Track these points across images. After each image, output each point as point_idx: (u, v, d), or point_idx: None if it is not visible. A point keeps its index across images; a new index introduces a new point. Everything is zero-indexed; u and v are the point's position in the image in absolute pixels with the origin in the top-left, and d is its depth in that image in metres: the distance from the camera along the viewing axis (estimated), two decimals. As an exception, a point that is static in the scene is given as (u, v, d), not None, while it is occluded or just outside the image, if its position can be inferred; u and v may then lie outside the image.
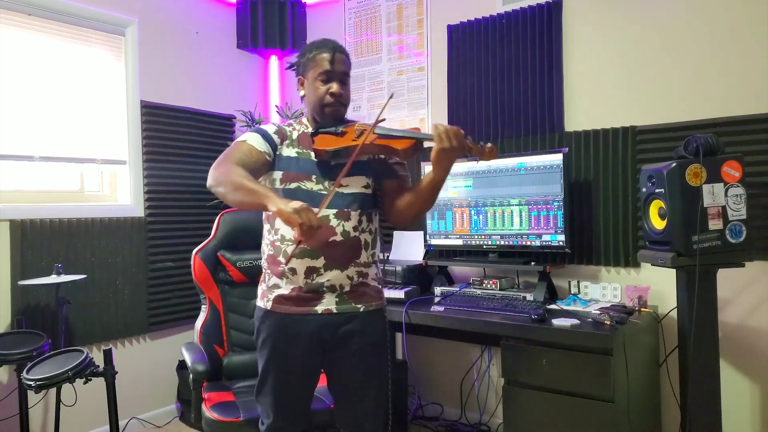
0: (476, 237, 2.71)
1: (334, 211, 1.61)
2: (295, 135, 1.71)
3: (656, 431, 2.41)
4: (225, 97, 3.49)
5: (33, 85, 2.70)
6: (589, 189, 2.58)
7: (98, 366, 2.24)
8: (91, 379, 2.21)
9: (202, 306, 2.44)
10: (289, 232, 1.60)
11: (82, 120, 2.88)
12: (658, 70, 2.45)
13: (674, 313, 2.16)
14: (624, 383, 1.98)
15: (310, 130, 1.70)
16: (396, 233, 3.09)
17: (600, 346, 1.95)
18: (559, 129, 2.68)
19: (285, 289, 1.66)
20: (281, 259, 1.63)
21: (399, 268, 2.71)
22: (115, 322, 2.93)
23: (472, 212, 2.72)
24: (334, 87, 1.65)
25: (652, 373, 2.36)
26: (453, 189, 2.78)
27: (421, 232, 2.92)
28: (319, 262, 1.61)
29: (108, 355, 2.28)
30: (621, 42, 2.54)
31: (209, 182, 1.59)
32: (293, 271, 1.62)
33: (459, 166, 2.75)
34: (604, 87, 2.58)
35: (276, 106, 3.68)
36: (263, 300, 1.71)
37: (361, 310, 1.67)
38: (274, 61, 3.76)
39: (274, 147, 1.68)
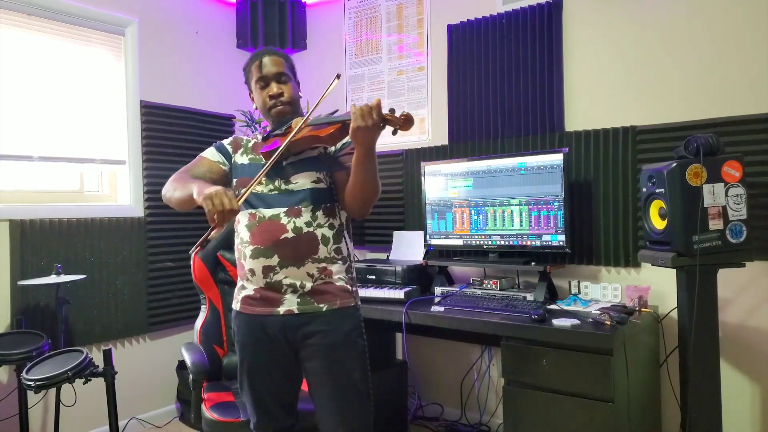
0: (476, 237, 2.71)
1: (285, 209, 1.64)
2: (251, 143, 1.80)
3: (656, 431, 2.41)
4: (225, 97, 3.49)
5: (33, 85, 2.70)
6: (590, 189, 2.58)
7: (98, 366, 2.24)
8: (90, 380, 2.21)
9: (202, 306, 2.44)
10: (246, 235, 1.67)
11: (82, 120, 2.88)
12: (658, 70, 2.45)
13: (674, 313, 2.15)
14: (624, 383, 1.98)
15: (260, 137, 1.79)
16: (396, 233, 3.09)
17: (600, 346, 1.94)
18: (560, 129, 2.68)
19: (249, 290, 1.70)
20: (242, 261, 1.69)
21: (399, 268, 2.71)
22: (115, 322, 2.93)
23: (472, 212, 2.71)
24: (273, 89, 1.71)
25: (652, 373, 2.35)
26: (453, 189, 2.77)
27: (421, 232, 2.92)
28: (274, 261, 1.63)
29: (108, 356, 2.28)
30: (621, 42, 2.53)
31: (163, 193, 1.71)
32: (252, 271, 1.66)
33: (459, 166, 2.75)
34: (604, 87, 2.58)
35: (276, 106, 3.68)
36: (234, 301, 1.76)
37: (324, 309, 1.64)
38: (274, 61, 3.75)
39: (227, 156, 1.78)
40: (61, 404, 2.46)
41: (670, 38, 2.42)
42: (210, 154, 1.78)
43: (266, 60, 1.72)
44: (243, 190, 1.58)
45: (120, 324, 2.95)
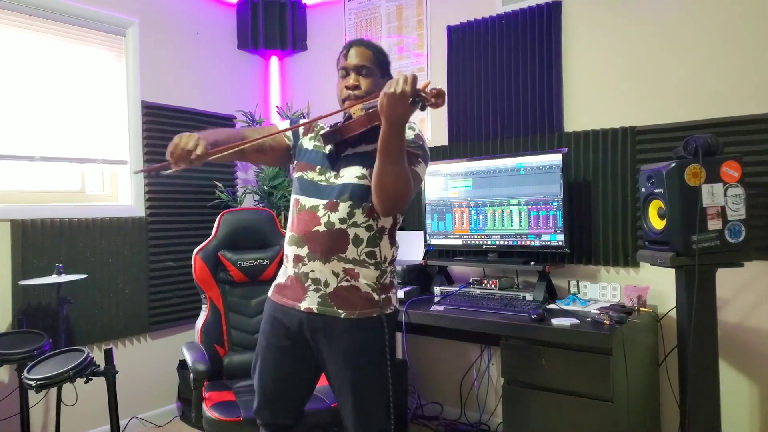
0: (476, 237, 2.72)
1: (324, 201, 1.62)
2: (323, 131, 1.71)
3: (655, 431, 2.41)
4: (225, 98, 3.50)
5: (34, 86, 2.71)
6: (589, 189, 2.59)
7: (99, 365, 2.24)
8: (91, 379, 2.21)
9: (203, 306, 2.45)
10: (291, 218, 1.69)
11: (83, 120, 2.88)
12: (657, 70, 2.45)
13: (673, 313, 2.16)
14: (623, 383, 1.98)
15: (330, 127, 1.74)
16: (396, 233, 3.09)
17: (599, 346, 1.95)
18: (559, 129, 2.69)
19: (282, 278, 1.72)
20: (285, 245, 1.70)
21: (399, 268, 2.72)
22: (116, 321, 2.93)
23: (472, 212, 2.72)
24: (350, 80, 1.65)
25: (651, 372, 2.36)
26: (453, 189, 2.78)
27: (421, 232, 2.93)
28: (303, 251, 1.62)
29: (109, 355, 2.29)
30: (620, 42, 2.54)
31: None
32: (287, 257, 1.68)
33: (459, 166, 2.76)
34: (603, 87, 2.59)
35: (276, 106, 3.69)
36: (271, 288, 1.78)
37: (342, 316, 1.59)
38: (274, 61, 3.76)
39: (296, 132, 1.76)
40: (62, 403, 2.47)
41: (669, 38, 2.42)
42: (280, 123, 1.82)
43: (352, 51, 1.66)
44: (222, 150, 1.55)
45: (121, 323, 2.96)
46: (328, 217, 1.59)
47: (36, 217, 2.66)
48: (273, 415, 1.75)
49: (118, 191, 3.07)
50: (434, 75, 3.11)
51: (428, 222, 2.87)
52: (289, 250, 1.66)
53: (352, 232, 1.59)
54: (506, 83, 2.82)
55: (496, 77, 2.86)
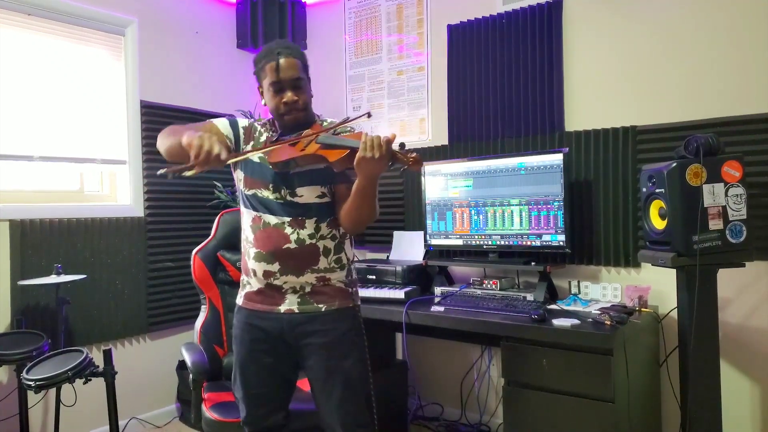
0: (476, 237, 2.71)
1: (288, 219, 1.64)
2: (262, 138, 1.73)
3: (656, 431, 2.41)
4: (225, 97, 3.49)
5: (33, 85, 2.70)
6: (590, 189, 2.58)
7: (98, 366, 2.24)
8: (90, 379, 2.21)
9: (202, 306, 2.44)
10: (251, 236, 1.69)
11: (82, 120, 2.88)
12: (658, 70, 2.45)
13: (674, 313, 2.15)
14: (624, 383, 1.98)
15: (272, 136, 1.73)
16: (396, 233, 3.09)
17: (600, 346, 1.94)
18: (559, 129, 2.68)
19: (253, 287, 1.73)
20: (246, 258, 1.72)
21: (399, 269, 2.71)
22: (115, 322, 2.93)
23: (472, 212, 2.72)
24: (287, 96, 1.62)
25: (652, 373, 2.35)
26: (453, 189, 2.77)
27: (421, 232, 2.92)
28: (274, 267, 1.66)
29: (108, 355, 2.28)
30: (621, 42, 2.53)
31: (157, 143, 1.65)
32: (254, 272, 1.69)
33: (459, 166, 2.75)
34: (604, 87, 2.58)
35: (276, 106, 3.68)
36: (238, 296, 1.79)
37: (323, 309, 1.67)
38: (274, 60, 3.75)
39: (237, 137, 1.72)
40: (61, 404, 2.46)
41: (670, 38, 2.42)
42: (221, 124, 1.71)
43: (283, 62, 1.61)
44: (237, 158, 1.57)
45: (120, 324, 2.95)
46: (297, 234, 1.64)
47: (35, 217, 2.65)
48: (263, 421, 1.76)
49: (117, 191, 3.07)
50: (434, 74, 3.11)
51: (428, 222, 2.87)
52: (257, 266, 1.67)
53: (321, 244, 1.67)
54: (507, 82, 2.82)
55: (496, 76, 2.85)
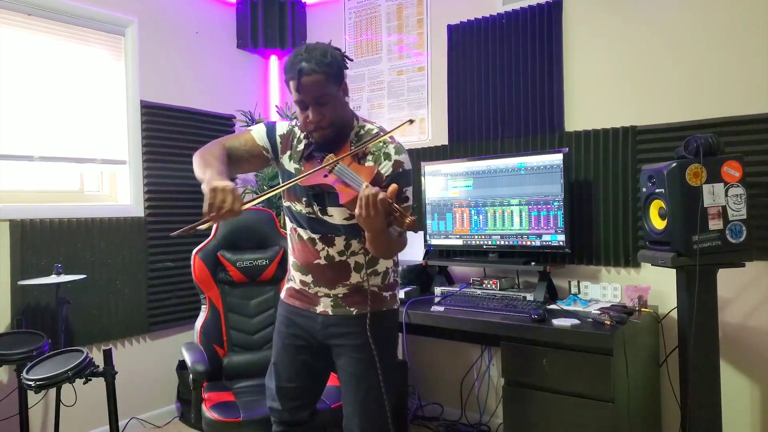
0: (476, 237, 2.71)
1: (318, 235, 1.65)
2: (300, 146, 1.66)
3: (656, 431, 2.41)
4: (225, 97, 3.49)
5: (33, 85, 2.70)
6: (589, 189, 2.58)
7: (98, 366, 2.23)
8: (90, 379, 2.20)
9: (202, 306, 2.44)
10: (290, 244, 1.75)
11: (82, 120, 2.88)
12: (658, 70, 2.45)
13: (674, 313, 2.16)
14: (624, 383, 1.98)
15: (306, 148, 1.66)
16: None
17: (600, 346, 1.95)
18: (559, 129, 2.68)
19: (295, 283, 1.78)
20: (290, 259, 1.77)
21: (399, 269, 2.71)
22: (115, 322, 2.93)
23: (472, 212, 2.72)
24: (310, 116, 1.53)
25: (652, 373, 2.36)
26: (453, 189, 2.77)
27: (422, 233, 2.92)
28: (308, 278, 1.71)
29: (108, 355, 2.28)
30: (621, 42, 2.53)
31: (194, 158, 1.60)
32: (294, 277, 1.77)
33: (459, 166, 2.75)
34: (604, 87, 2.58)
35: (276, 105, 3.68)
36: (282, 290, 1.85)
37: (354, 313, 1.69)
38: (274, 60, 3.76)
39: (274, 144, 1.67)
40: (61, 404, 2.46)
41: (669, 38, 2.42)
42: (258, 135, 1.66)
43: (304, 81, 1.49)
44: (253, 199, 1.51)
45: (120, 324, 2.95)
46: (327, 251, 1.66)
47: (35, 217, 2.65)
48: (290, 413, 1.79)
49: (117, 191, 3.07)
50: (434, 74, 3.11)
51: (428, 222, 2.87)
52: (295, 274, 1.75)
53: (352, 261, 1.67)
54: (507, 82, 2.82)
55: (496, 76, 2.85)
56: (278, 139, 1.67)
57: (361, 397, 1.68)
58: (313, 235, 1.66)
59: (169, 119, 3.17)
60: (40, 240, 2.65)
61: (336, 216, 1.61)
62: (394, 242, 1.52)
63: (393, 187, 1.37)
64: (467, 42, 2.94)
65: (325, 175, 1.52)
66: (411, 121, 1.65)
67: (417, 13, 3.17)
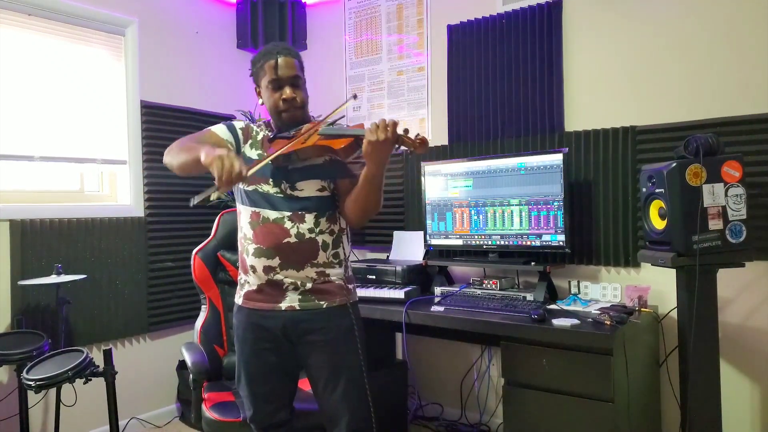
0: (476, 237, 2.71)
1: (288, 213, 1.67)
2: (259, 137, 1.77)
3: (656, 431, 2.41)
4: (225, 97, 3.49)
5: (33, 85, 2.70)
6: (589, 189, 2.58)
7: (98, 366, 2.24)
8: (91, 379, 2.21)
9: (202, 306, 2.44)
10: (250, 232, 1.70)
11: (82, 120, 2.88)
12: (658, 70, 2.45)
13: (674, 313, 2.16)
14: (624, 383, 1.98)
15: (269, 134, 1.76)
16: (396, 233, 3.09)
17: (600, 346, 1.94)
18: (559, 129, 2.68)
19: (252, 285, 1.73)
20: (245, 256, 1.73)
21: (399, 268, 2.71)
22: (115, 322, 2.93)
23: (472, 212, 2.72)
24: (286, 92, 1.68)
25: (652, 373, 2.36)
26: (453, 189, 2.78)
27: (421, 232, 2.92)
28: (275, 262, 1.67)
29: (108, 355, 2.28)
30: (621, 42, 2.53)
31: (164, 159, 1.67)
32: (253, 268, 1.70)
33: (459, 166, 2.75)
34: (604, 87, 2.58)
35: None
36: (237, 296, 1.81)
37: (324, 306, 1.69)
38: (274, 61, 3.75)
39: (237, 140, 1.75)
40: (61, 404, 2.46)
41: (670, 38, 2.42)
42: (220, 131, 1.75)
43: (281, 61, 1.68)
44: (255, 163, 1.55)
45: (120, 324, 2.95)
46: (297, 228, 1.67)
47: (35, 217, 2.65)
48: (269, 418, 1.78)
49: (117, 191, 3.07)
50: (434, 74, 3.11)
51: (428, 222, 2.87)
52: (257, 262, 1.69)
53: (320, 239, 1.70)
54: (507, 83, 2.82)
55: (496, 77, 2.85)
56: (239, 132, 1.77)
57: (342, 388, 1.68)
58: (283, 213, 1.66)
59: (170, 119, 3.17)
60: (40, 240, 2.65)
61: (307, 189, 1.68)
62: (381, 194, 1.65)
63: (395, 119, 1.52)
64: (467, 42, 2.94)
65: (303, 142, 1.59)
66: (355, 96, 1.79)
67: (417, 13, 3.17)
